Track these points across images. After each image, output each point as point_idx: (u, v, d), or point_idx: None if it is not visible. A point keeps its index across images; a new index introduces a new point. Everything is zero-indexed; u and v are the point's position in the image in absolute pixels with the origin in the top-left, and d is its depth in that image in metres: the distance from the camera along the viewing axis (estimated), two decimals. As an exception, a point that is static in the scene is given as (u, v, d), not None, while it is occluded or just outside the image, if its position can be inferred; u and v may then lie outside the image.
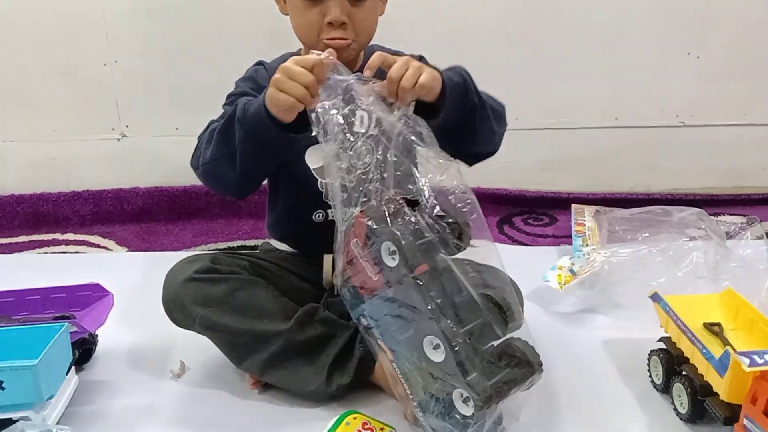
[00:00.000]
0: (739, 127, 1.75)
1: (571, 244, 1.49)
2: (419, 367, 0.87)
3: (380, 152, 0.88)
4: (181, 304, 0.99)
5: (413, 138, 0.86)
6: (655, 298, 1.04)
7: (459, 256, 0.87)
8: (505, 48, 1.67)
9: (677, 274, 1.18)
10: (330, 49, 0.90)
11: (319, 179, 1.04)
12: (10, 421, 0.85)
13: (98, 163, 1.75)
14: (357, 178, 0.88)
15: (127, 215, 1.74)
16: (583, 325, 1.21)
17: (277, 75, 0.86)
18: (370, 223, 0.85)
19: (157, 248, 1.62)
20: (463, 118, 0.95)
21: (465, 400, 0.83)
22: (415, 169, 0.86)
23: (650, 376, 1.04)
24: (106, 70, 1.68)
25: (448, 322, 0.83)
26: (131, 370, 1.10)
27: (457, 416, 0.85)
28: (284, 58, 1.07)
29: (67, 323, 0.94)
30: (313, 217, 1.06)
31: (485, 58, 1.63)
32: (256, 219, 1.69)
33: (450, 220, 0.85)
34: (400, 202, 0.86)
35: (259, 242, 1.57)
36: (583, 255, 1.29)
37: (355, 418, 0.93)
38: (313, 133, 0.87)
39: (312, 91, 0.85)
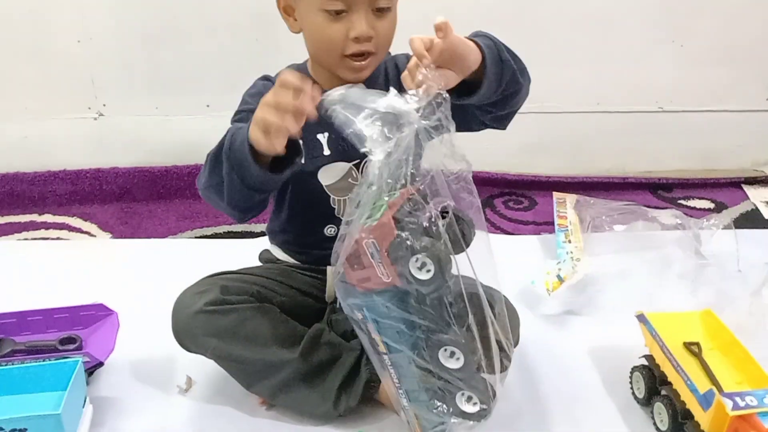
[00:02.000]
0: (714, 113, 1.79)
1: (551, 232, 1.56)
2: (419, 364, 0.88)
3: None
4: (193, 336, 1.00)
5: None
6: (641, 318, 1.11)
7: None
8: (494, 32, 1.65)
9: (659, 286, 1.24)
10: (315, 86, 0.82)
11: (332, 196, 1.05)
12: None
13: (74, 143, 1.69)
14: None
15: (106, 196, 1.70)
16: (568, 329, 1.27)
17: (258, 112, 0.81)
18: (404, 235, 0.78)
19: (141, 233, 1.60)
20: (504, 82, 0.91)
21: (468, 399, 0.87)
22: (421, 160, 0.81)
23: (632, 389, 1.12)
24: (79, 47, 1.60)
25: (464, 330, 0.82)
26: (137, 385, 1.12)
27: (457, 414, 0.88)
28: (289, 70, 1.06)
29: (81, 359, 0.95)
30: (325, 231, 1.07)
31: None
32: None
33: (459, 219, 0.82)
34: (421, 202, 0.80)
35: (244, 227, 1.60)
36: (569, 259, 1.35)
37: (365, 440, 0.99)
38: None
39: (297, 120, 0.80)
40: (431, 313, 0.82)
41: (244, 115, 1.00)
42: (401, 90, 0.91)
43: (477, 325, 0.83)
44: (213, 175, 0.92)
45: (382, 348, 0.88)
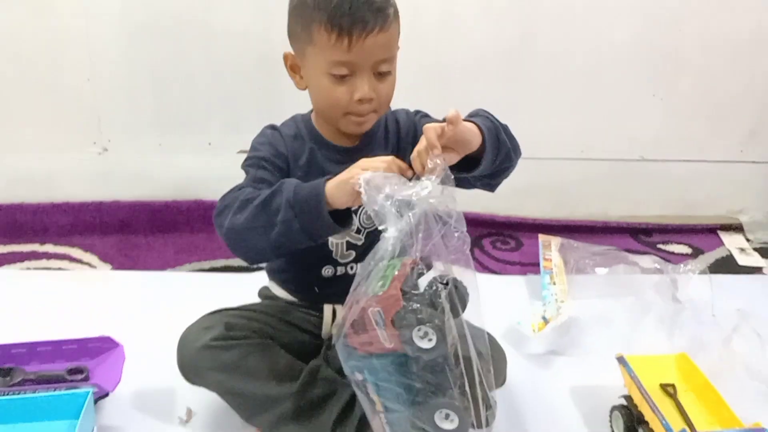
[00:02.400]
0: (692, 162, 1.88)
1: (536, 273, 1.61)
2: (414, 425, 0.93)
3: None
4: (198, 370, 1.05)
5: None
6: (621, 360, 1.17)
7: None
8: (486, 82, 1.74)
9: (638, 329, 1.31)
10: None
11: (330, 239, 1.09)
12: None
13: (79, 177, 1.73)
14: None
15: (107, 228, 1.75)
16: (552, 368, 1.32)
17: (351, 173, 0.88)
18: (410, 306, 0.83)
19: (140, 265, 1.64)
20: (499, 159, 0.98)
21: None
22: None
23: (611, 428, 1.17)
24: (88, 84, 1.66)
25: (459, 392, 0.87)
26: (140, 415, 1.15)
27: None
28: (294, 121, 1.14)
29: (91, 389, 0.99)
30: (323, 272, 1.12)
31: (467, 91, 1.70)
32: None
33: (457, 288, 0.86)
34: (424, 272, 0.86)
35: (240, 262, 1.64)
36: (554, 300, 1.42)
37: (358, 473, 1.04)
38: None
39: None
40: (430, 377, 0.87)
41: (255, 160, 1.06)
42: (399, 147, 1.01)
43: (470, 387, 0.87)
44: (259, 219, 0.95)
45: (379, 407, 0.93)
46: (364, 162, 0.90)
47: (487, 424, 0.92)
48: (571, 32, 1.72)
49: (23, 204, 1.73)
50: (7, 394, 1.02)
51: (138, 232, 1.76)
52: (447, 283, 0.86)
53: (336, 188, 0.90)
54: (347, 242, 1.11)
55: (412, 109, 1.17)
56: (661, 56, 1.75)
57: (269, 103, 1.63)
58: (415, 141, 0.95)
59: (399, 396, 0.91)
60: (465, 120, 0.92)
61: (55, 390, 1.02)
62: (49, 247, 1.70)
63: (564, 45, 1.73)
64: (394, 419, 0.93)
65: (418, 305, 0.83)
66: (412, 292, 0.85)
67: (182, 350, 1.06)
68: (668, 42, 1.74)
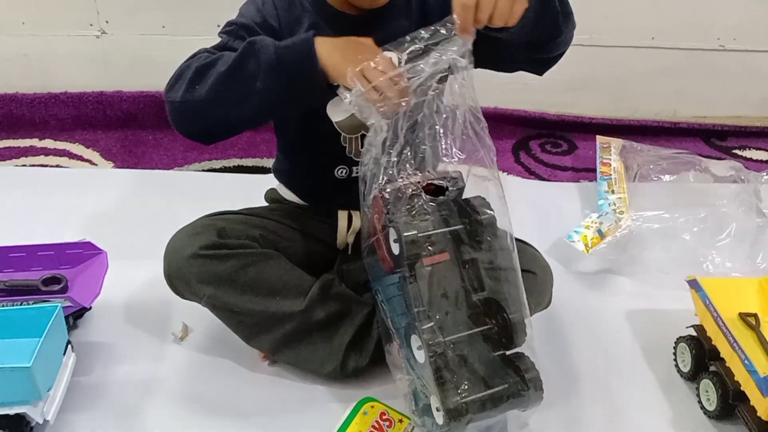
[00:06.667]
0: (781, 54, 1.63)
1: (591, 180, 1.45)
2: (407, 357, 0.84)
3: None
4: (186, 281, 0.91)
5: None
6: (692, 284, 0.99)
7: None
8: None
9: (713, 247, 1.12)
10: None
11: (342, 134, 0.94)
12: (7, 417, 0.79)
13: (76, 63, 1.57)
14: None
15: (110, 121, 1.60)
16: (607, 290, 1.17)
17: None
18: (385, 206, 0.81)
19: (145, 163, 1.50)
20: (544, 29, 0.83)
21: (438, 409, 0.80)
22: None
23: (675, 362, 1.01)
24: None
25: (432, 325, 0.79)
26: (129, 330, 1.04)
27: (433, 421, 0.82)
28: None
29: (60, 304, 0.85)
30: (336, 173, 0.98)
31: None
32: (251, 133, 1.56)
33: (468, 218, 0.83)
34: (420, 186, 0.82)
35: (255, 162, 1.49)
36: (612, 212, 1.22)
37: (372, 407, 0.90)
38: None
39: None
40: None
41: (234, 28, 0.90)
42: (425, 15, 0.91)
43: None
44: (230, 89, 0.83)
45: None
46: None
47: (514, 345, 0.82)
48: None
49: (18, 94, 1.58)
50: (-30, 307, 0.90)
51: (144, 127, 1.60)
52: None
53: (329, 57, 0.80)
54: (362, 136, 0.93)
55: None
56: None
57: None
58: (444, 8, 0.78)
59: (396, 319, 0.84)
60: None
61: (22, 304, 0.89)
62: (48, 143, 1.57)
63: None
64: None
65: (393, 208, 0.81)
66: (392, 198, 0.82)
67: (168, 259, 0.92)
68: None
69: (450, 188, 0.84)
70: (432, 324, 0.79)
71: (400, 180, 0.81)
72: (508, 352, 0.83)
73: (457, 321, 0.83)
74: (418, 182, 0.82)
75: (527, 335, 0.82)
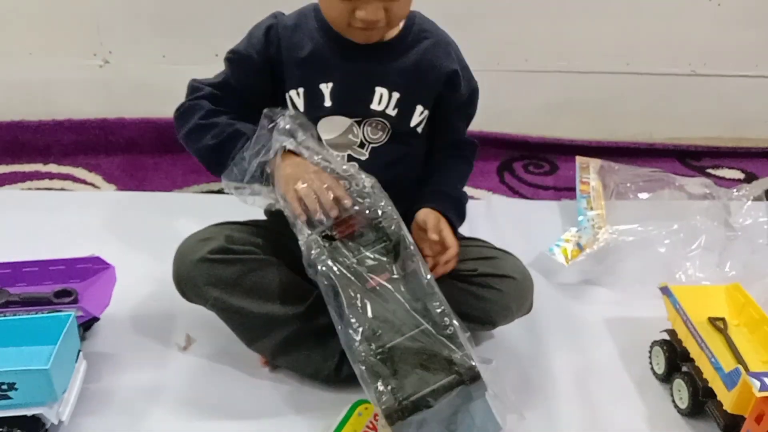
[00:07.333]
0: (749, 78, 1.70)
1: (572, 198, 1.50)
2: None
3: None
4: (194, 285, 0.96)
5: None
6: (665, 291, 1.05)
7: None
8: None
9: (685, 257, 1.18)
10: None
11: (332, 151, 0.99)
12: (24, 418, 0.84)
13: (79, 91, 1.63)
14: None
15: (112, 147, 1.65)
16: (586, 299, 1.22)
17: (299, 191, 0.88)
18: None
19: (146, 186, 1.55)
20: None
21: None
22: None
23: (651, 364, 1.06)
24: (85, -11, 1.53)
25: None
26: (135, 341, 1.08)
27: None
28: (302, 13, 1.03)
29: (73, 313, 0.91)
30: None
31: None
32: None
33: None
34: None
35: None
36: (590, 227, 1.28)
37: (366, 409, 0.95)
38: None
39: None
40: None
41: (234, 56, 1.02)
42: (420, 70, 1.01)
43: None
44: (207, 157, 0.98)
45: None
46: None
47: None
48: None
49: (23, 121, 1.63)
50: (-11, 317, 0.95)
51: (145, 152, 1.66)
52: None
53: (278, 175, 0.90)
54: (348, 156, 1.01)
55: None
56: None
57: (276, 4, 1.48)
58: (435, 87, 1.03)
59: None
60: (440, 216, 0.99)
61: (37, 313, 0.94)
62: (52, 167, 1.62)
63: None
64: None
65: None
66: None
67: (178, 263, 0.98)
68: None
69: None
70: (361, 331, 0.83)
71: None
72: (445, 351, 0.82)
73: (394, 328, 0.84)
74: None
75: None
